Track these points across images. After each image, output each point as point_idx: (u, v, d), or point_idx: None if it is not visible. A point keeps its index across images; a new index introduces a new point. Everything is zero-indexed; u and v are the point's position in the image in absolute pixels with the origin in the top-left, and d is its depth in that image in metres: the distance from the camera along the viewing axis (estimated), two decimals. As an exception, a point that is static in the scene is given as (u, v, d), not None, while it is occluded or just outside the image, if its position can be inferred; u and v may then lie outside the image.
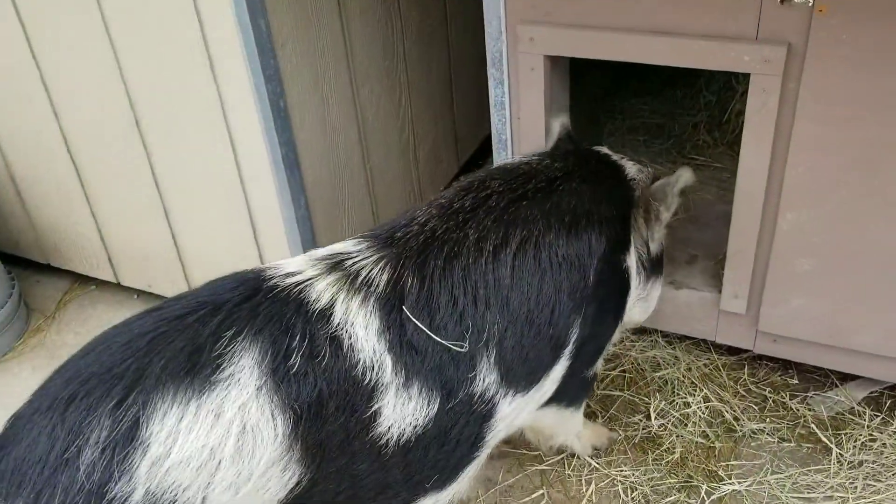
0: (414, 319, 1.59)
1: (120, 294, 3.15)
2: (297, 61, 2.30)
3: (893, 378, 2.34)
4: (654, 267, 2.13)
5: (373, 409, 1.53)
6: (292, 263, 1.64)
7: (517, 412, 1.82)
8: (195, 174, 2.51)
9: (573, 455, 2.37)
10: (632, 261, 2.01)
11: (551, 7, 2.14)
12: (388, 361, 1.55)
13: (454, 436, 1.67)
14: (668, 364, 2.62)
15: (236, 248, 2.61)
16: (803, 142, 2.01)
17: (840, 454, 2.28)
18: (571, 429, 2.25)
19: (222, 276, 1.61)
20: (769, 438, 2.37)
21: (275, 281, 1.55)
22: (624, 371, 2.62)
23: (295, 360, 1.45)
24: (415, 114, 2.99)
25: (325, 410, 1.47)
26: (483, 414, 1.71)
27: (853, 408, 2.42)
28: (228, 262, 2.62)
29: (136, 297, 3.13)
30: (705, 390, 2.51)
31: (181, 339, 1.40)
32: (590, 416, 2.47)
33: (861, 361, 2.33)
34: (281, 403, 1.42)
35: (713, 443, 2.36)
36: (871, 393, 2.46)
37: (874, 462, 2.24)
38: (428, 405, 1.59)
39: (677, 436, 2.39)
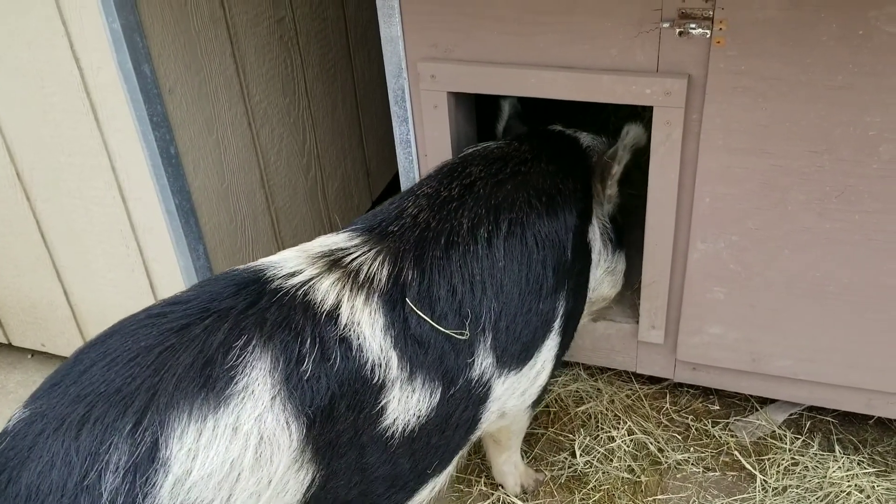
0: (419, 312, 1.62)
1: (12, 355, 2.95)
2: (188, 106, 2.18)
3: (811, 400, 2.34)
4: (618, 238, 2.19)
5: (380, 404, 1.55)
6: (289, 262, 1.61)
7: (510, 392, 1.86)
8: (84, 227, 2.35)
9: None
10: (595, 232, 2.09)
11: (451, 44, 2.08)
12: (393, 357, 1.57)
13: (454, 421, 1.71)
14: (590, 397, 2.58)
15: (132, 301, 2.45)
16: (709, 173, 2.00)
17: (764, 480, 2.27)
18: (522, 428, 2.21)
19: (214, 277, 1.57)
20: (694, 468, 2.34)
21: (277, 283, 1.53)
22: (547, 407, 2.57)
23: (307, 366, 1.44)
24: (321, 151, 2.89)
25: (336, 412, 1.48)
26: (480, 397, 1.75)
27: (774, 431, 2.42)
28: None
29: (30, 356, 2.93)
30: (629, 422, 2.47)
31: (190, 353, 1.36)
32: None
33: (779, 386, 2.33)
34: (295, 411, 1.42)
35: (639, 477, 2.32)
36: (791, 415, 2.47)
37: (797, 486, 2.24)
38: (430, 395, 1.63)
39: (603, 472, 2.34)
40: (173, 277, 2.33)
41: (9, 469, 1.27)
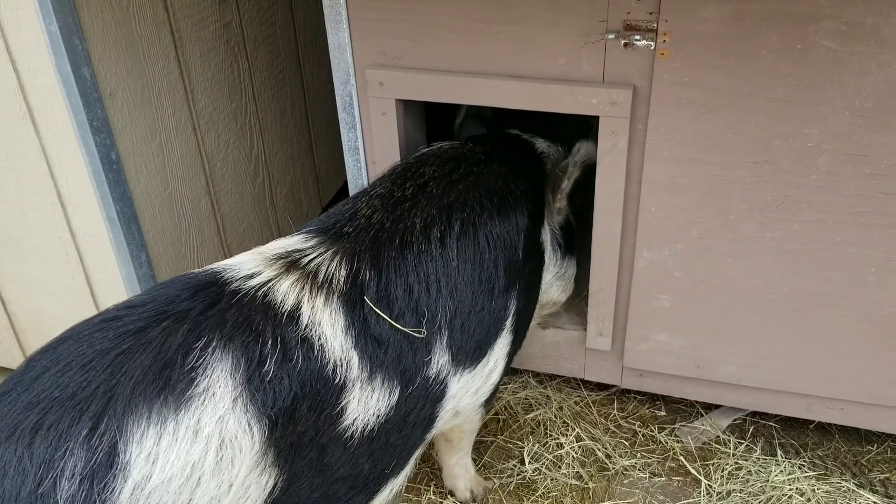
0: (378, 311, 1.63)
1: (-54, 365, 2.84)
2: (130, 110, 2.13)
3: (754, 406, 2.38)
4: (567, 244, 2.22)
5: (341, 405, 1.54)
6: (246, 264, 1.60)
7: (464, 391, 1.87)
8: (22, 233, 2.28)
9: (447, 510, 2.29)
10: (547, 235, 2.12)
11: (400, 51, 2.07)
12: (354, 357, 1.57)
13: (411, 420, 1.71)
14: (539, 404, 2.59)
15: (73, 310, 2.39)
16: (654, 182, 2.02)
17: (709, 485, 2.30)
18: (474, 428, 2.21)
19: (168, 280, 1.52)
20: (641, 474, 2.36)
21: (236, 284, 1.51)
22: (496, 414, 2.57)
23: (269, 367, 1.42)
24: (269, 157, 2.85)
25: (297, 413, 1.46)
26: (437, 395, 1.76)
27: (719, 436, 2.45)
28: (64, 327, 2.43)
29: (-35, 367, 2.83)
30: (577, 429, 2.48)
31: (148, 355, 1.33)
32: (463, 465, 2.40)
33: (723, 391, 2.37)
34: (257, 412, 1.39)
35: (587, 483, 2.33)
36: (735, 420, 2.51)
37: (741, 491, 2.27)
38: (390, 395, 1.63)
39: (552, 479, 2.35)
40: (115, 286, 2.28)
41: None
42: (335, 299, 1.58)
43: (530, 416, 2.55)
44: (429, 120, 2.37)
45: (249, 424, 1.38)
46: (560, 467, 2.38)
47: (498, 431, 2.52)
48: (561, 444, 2.44)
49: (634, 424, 2.52)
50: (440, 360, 1.74)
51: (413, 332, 1.67)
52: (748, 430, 2.48)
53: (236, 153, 2.65)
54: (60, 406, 1.26)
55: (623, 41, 1.87)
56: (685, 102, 1.89)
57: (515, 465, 2.41)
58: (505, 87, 2.00)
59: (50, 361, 1.32)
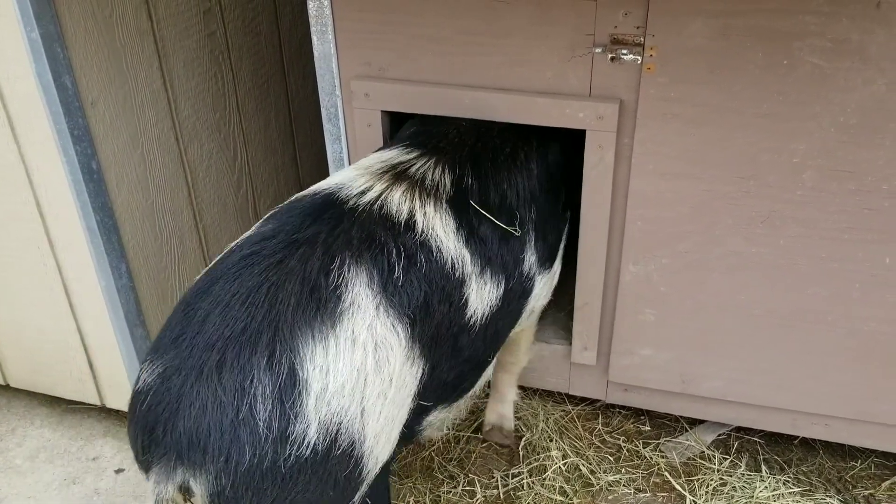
0: (483, 212, 1.84)
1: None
2: (112, 120, 2.10)
3: (739, 421, 2.38)
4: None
5: (464, 297, 1.76)
6: (356, 181, 1.75)
7: (541, 290, 2.10)
8: (0, 243, 2.24)
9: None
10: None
11: (386, 63, 2.06)
12: (466, 255, 1.77)
13: (510, 310, 1.96)
14: (525, 417, 2.57)
15: (51, 321, 2.35)
16: (640, 196, 2.02)
17: (694, 501, 2.29)
18: (530, 340, 2.40)
19: (286, 207, 1.68)
20: (625, 490, 2.35)
21: (353, 202, 1.67)
22: (481, 427, 2.55)
23: (398, 274, 1.60)
24: (253, 168, 2.83)
25: (430, 309, 1.66)
26: (527, 290, 2.01)
27: (703, 452, 2.44)
28: (43, 339, 2.40)
29: (-62, 379, 2.78)
30: (562, 444, 2.47)
31: (295, 283, 1.47)
32: (450, 478, 2.38)
33: (708, 406, 2.36)
34: (397, 314, 1.57)
35: (571, 499, 2.31)
36: (720, 435, 2.50)
37: (725, 507, 2.26)
38: (497, 287, 1.86)
39: (536, 494, 2.33)
40: (94, 297, 2.24)
41: (161, 422, 1.37)
42: (444, 204, 1.78)
43: (515, 429, 2.53)
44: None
45: (393, 326, 1.56)
46: (544, 482, 2.36)
47: (482, 445, 2.50)
48: (546, 459, 2.43)
49: (619, 439, 2.51)
50: (530, 258, 1.97)
51: (512, 230, 1.90)
52: (733, 445, 2.47)
53: (219, 164, 2.62)
54: (236, 342, 1.39)
55: (610, 55, 1.87)
56: (672, 117, 1.89)
57: (500, 479, 2.39)
58: (491, 99, 2.00)
59: (211, 304, 1.44)
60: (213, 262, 1.57)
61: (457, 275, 1.74)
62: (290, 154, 3.10)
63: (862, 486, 2.33)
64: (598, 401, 2.61)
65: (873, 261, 1.94)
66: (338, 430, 1.45)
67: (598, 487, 2.35)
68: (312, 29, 2.07)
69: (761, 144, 1.87)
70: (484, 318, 1.84)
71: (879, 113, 1.77)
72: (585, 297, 2.25)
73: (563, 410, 2.61)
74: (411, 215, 1.71)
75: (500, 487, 2.36)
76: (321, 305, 1.47)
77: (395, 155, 1.88)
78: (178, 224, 2.44)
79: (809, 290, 2.02)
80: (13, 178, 2.11)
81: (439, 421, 1.96)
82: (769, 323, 2.11)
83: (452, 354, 1.79)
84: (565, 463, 2.41)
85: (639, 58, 1.85)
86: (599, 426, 2.56)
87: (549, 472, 2.38)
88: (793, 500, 2.26)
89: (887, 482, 2.33)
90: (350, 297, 1.51)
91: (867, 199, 1.87)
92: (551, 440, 2.49)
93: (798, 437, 2.46)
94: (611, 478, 2.37)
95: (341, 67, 2.11)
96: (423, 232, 1.70)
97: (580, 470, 2.40)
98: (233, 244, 1.60)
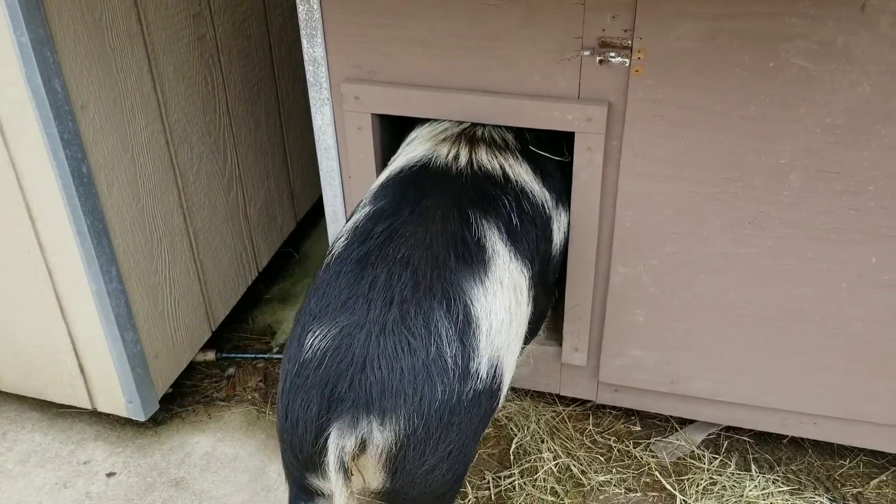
0: (542, 153, 2.07)
1: None
2: (102, 123, 2.10)
3: (728, 420, 2.39)
4: None
5: (552, 230, 2.02)
6: (440, 148, 1.95)
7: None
8: (-11, 248, 2.24)
9: None
10: None
11: (376, 66, 2.07)
12: (546, 194, 2.01)
13: (564, 243, 2.17)
14: (516, 418, 2.58)
15: (41, 325, 2.34)
16: (629, 198, 2.03)
17: (684, 500, 2.30)
18: None
19: (387, 184, 1.87)
20: (616, 490, 2.36)
21: (454, 168, 1.89)
22: (472, 430, 2.55)
23: (516, 222, 1.84)
24: (244, 171, 2.83)
25: (539, 248, 1.92)
26: (565, 233, 2.17)
27: (693, 451, 2.46)
28: (33, 343, 2.39)
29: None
30: (553, 444, 2.48)
31: (446, 240, 1.67)
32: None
33: (698, 406, 2.38)
34: (523, 258, 1.82)
35: (563, 500, 2.32)
36: (709, 435, 2.52)
37: (715, 506, 2.28)
38: (566, 215, 2.12)
39: (527, 495, 2.34)
40: (84, 300, 2.24)
41: (346, 377, 1.51)
42: (517, 155, 1.99)
43: (506, 430, 2.54)
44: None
45: (521, 269, 1.81)
46: (536, 483, 2.37)
47: (473, 447, 2.51)
48: (537, 459, 2.44)
49: (610, 440, 2.52)
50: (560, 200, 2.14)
51: (564, 159, 2.11)
52: (722, 444, 2.49)
53: (209, 167, 2.62)
54: (413, 296, 1.57)
55: (598, 58, 1.88)
56: (659, 119, 1.90)
57: (491, 480, 2.39)
58: (481, 102, 2.01)
59: (373, 270, 1.62)
60: (338, 244, 1.75)
61: (547, 212, 1.99)
62: (281, 157, 3.10)
63: (850, 485, 2.34)
64: (589, 401, 2.62)
65: (860, 261, 1.96)
66: (496, 364, 1.67)
67: (589, 488, 2.36)
68: (302, 32, 2.08)
69: (748, 146, 1.89)
70: (561, 248, 2.12)
71: (865, 114, 1.78)
72: (576, 299, 2.26)
73: (555, 411, 2.62)
74: (503, 169, 1.92)
75: (491, 489, 2.37)
76: (474, 257, 1.69)
77: (451, 125, 2.07)
78: (168, 227, 2.44)
79: (797, 290, 2.04)
80: (3, 183, 2.10)
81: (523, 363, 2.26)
82: (757, 323, 2.12)
83: (542, 284, 2.00)
84: (556, 464, 2.42)
85: (627, 60, 1.86)
86: (590, 427, 2.57)
87: (540, 473, 2.39)
88: (782, 499, 2.27)
89: (875, 480, 2.35)
90: (491, 247, 1.73)
91: (853, 200, 1.89)
92: (542, 441, 2.50)
93: (787, 436, 2.48)
94: (602, 478, 2.39)
95: (331, 70, 2.11)
96: (517, 182, 1.93)
97: (571, 470, 2.41)
98: (351, 225, 1.77)
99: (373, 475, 1.59)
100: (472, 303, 1.62)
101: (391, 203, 1.77)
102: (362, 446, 1.53)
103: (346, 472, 1.54)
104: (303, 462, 1.63)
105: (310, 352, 1.56)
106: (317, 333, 1.57)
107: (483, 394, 1.62)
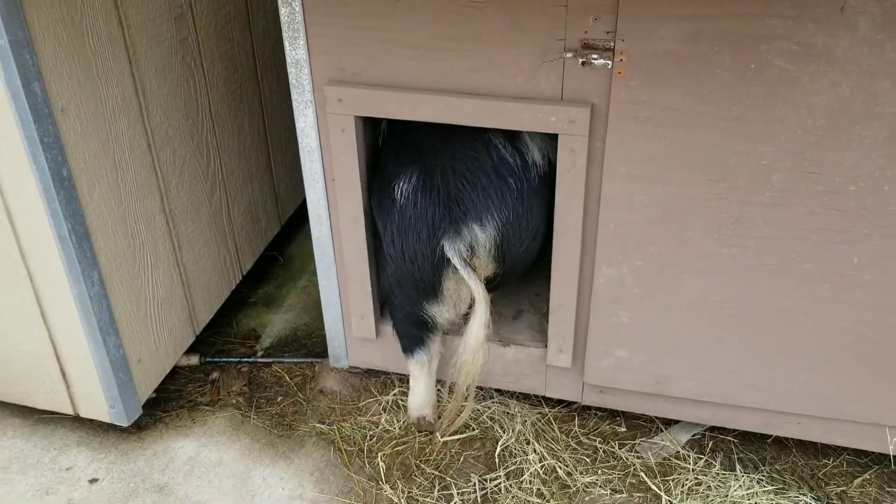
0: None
1: None
2: (82, 127, 2.08)
3: (713, 421, 2.40)
4: None
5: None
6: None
7: None
8: (-32, 252, 2.21)
9: None
10: None
11: (359, 68, 2.07)
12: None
13: None
14: (501, 421, 2.58)
15: (23, 331, 2.32)
16: (612, 199, 2.03)
17: (670, 501, 2.31)
18: None
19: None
20: (602, 491, 2.36)
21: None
22: (457, 432, 2.55)
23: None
24: (227, 174, 2.81)
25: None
26: None
27: (678, 452, 2.46)
28: (14, 348, 2.37)
29: None
30: (539, 446, 2.48)
31: (488, 169, 2.09)
32: (428, 482, 2.38)
33: (682, 407, 2.38)
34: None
35: (549, 501, 2.32)
36: (694, 435, 2.52)
37: (701, 506, 2.28)
38: None
39: (513, 496, 2.33)
40: (66, 305, 2.22)
41: (440, 201, 2.05)
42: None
43: (492, 432, 2.54)
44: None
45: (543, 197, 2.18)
46: (521, 485, 2.37)
47: (459, 448, 2.50)
48: (523, 461, 2.43)
49: (595, 441, 2.52)
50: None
51: None
52: (707, 444, 2.49)
53: (192, 170, 2.61)
54: (463, 136, 2.14)
55: (581, 60, 1.89)
56: (642, 121, 1.91)
57: (477, 482, 2.39)
58: (463, 104, 2.00)
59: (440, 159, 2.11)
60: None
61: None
62: (265, 160, 3.09)
63: (834, 484, 2.36)
64: (574, 403, 2.62)
65: (842, 261, 1.97)
66: (545, 153, 2.15)
67: (574, 489, 2.36)
68: (285, 34, 2.07)
69: (730, 147, 1.89)
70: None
71: (845, 115, 1.80)
72: (560, 300, 2.26)
73: (540, 413, 2.62)
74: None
75: (477, 491, 2.36)
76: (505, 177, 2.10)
77: None
78: (150, 231, 2.42)
79: (780, 290, 2.05)
80: (-18, 187, 2.08)
81: None
82: (741, 323, 2.13)
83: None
84: (542, 465, 2.42)
85: (609, 62, 1.87)
86: (576, 428, 2.57)
87: (526, 475, 2.39)
88: (767, 499, 2.28)
89: (859, 479, 2.36)
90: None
91: (835, 200, 1.90)
92: (528, 443, 2.50)
93: (771, 436, 2.49)
94: (587, 479, 2.39)
95: (314, 73, 2.11)
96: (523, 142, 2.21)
97: (557, 472, 2.41)
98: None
99: (485, 268, 2.10)
100: (526, 145, 2.11)
101: (421, 164, 2.14)
102: (471, 251, 2.02)
103: (472, 268, 2.03)
104: (423, 292, 2.15)
105: (402, 197, 2.03)
106: (402, 182, 2.03)
107: (544, 178, 2.10)
